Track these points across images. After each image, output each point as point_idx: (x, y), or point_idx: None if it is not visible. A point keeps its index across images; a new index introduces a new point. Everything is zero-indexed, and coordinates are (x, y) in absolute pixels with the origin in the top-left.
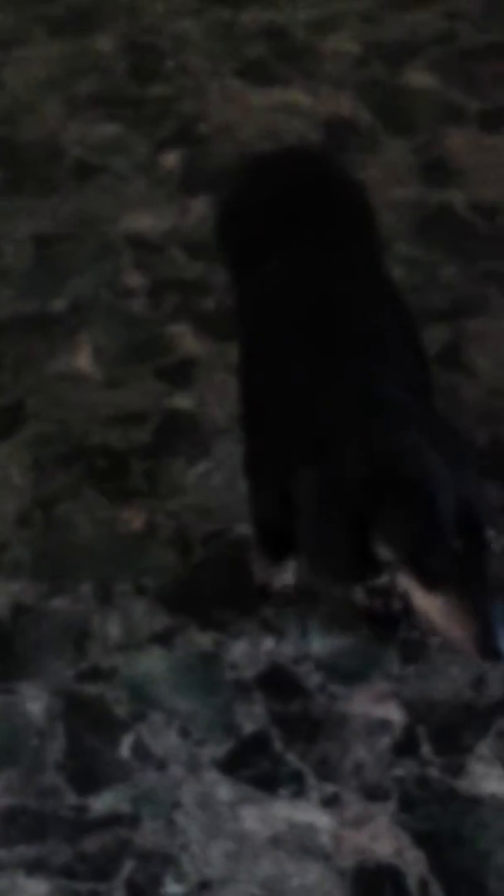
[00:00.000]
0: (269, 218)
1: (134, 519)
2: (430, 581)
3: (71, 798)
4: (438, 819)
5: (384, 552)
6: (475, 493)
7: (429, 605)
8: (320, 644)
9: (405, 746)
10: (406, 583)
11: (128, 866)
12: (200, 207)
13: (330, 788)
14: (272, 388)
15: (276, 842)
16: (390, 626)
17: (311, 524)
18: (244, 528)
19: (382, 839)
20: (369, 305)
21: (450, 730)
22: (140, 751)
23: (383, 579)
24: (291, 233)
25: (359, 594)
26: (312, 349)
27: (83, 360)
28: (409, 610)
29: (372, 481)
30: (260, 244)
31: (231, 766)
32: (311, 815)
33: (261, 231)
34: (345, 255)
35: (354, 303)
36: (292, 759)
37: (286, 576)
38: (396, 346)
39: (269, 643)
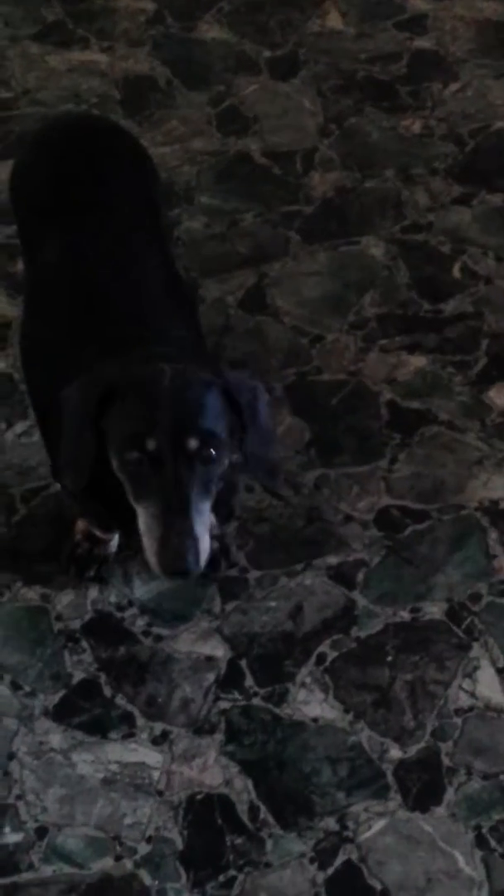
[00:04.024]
0: (46, 188)
1: None
2: (134, 486)
3: None
4: (264, 747)
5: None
6: (216, 411)
7: (139, 513)
8: (143, 590)
9: (229, 680)
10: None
11: None
12: (5, 173)
13: (159, 727)
14: (45, 344)
15: (109, 783)
16: (213, 567)
17: (64, 433)
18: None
19: (211, 771)
20: (135, 266)
21: (271, 660)
22: None
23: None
24: (68, 200)
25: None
26: (82, 306)
27: None
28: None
29: (103, 387)
30: (39, 213)
31: (62, 714)
32: (141, 754)
33: (40, 200)
34: (118, 217)
35: (122, 261)
36: (121, 702)
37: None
38: (159, 300)
39: (93, 593)
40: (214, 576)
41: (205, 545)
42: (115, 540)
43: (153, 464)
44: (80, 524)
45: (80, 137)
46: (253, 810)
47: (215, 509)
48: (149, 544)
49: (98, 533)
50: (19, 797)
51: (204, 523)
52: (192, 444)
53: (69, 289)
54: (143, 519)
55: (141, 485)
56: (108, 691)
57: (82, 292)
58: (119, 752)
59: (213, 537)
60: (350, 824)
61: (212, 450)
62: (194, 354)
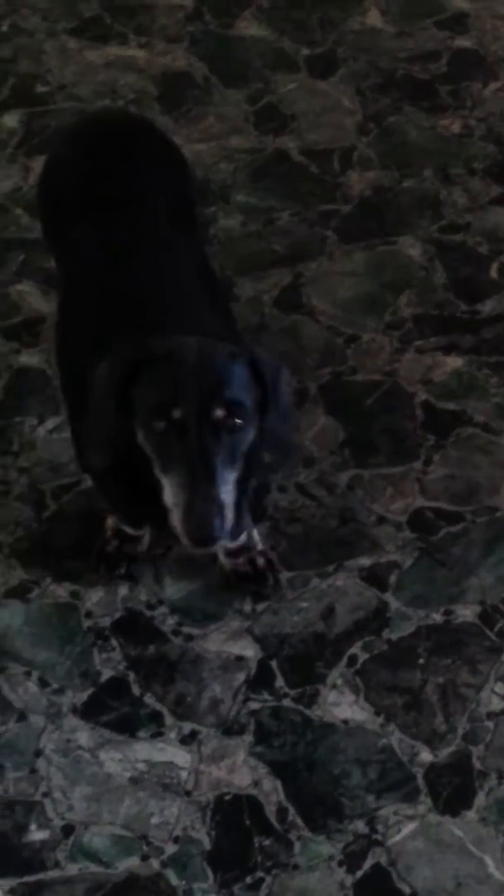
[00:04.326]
0: (77, 184)
1: None
2: (161, 457)
3: None
4: (293, 748)
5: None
6: (242, 383)
7: (165, 486)
8: (174, 588)
9: (259, 680)
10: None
11: None
12: (42, 167)
13: (188, 727)
14: (80, 335)
15: (137, 782)
16: (261, 583)
17: (91, 407)
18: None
19: (240, 772)
20: (171, 261)
21: (302, 661)
22: (0, 703)
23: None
24: (103, 196)
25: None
26: (118, 298)
27: None
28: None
29: (130, 361)
30: (73, 208)
31: (90, 712)
32: (170, 753)
33: (74, 196)
34: (153, 213)
35: (157, 256)
36: (150, 700)
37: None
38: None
39: (123, 590)
40: (263, 592)
41: (230, 513)
42: (145, 538)
43: (179, 433)
44: (110, 521)
45: (113, 133)
46: (281, 812)
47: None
48: (175, 513)
49: (127, 530)
50: (46, 794)
51: (229, 493)
52: (218, 412)
53: (105, 282)
54: (169, 489)
55: (167, 455)
56: (136, 690)
57: (118, 285)
58: (147, 751)
59: (258, 553)
60: (379, 827)
61: (237, 419)
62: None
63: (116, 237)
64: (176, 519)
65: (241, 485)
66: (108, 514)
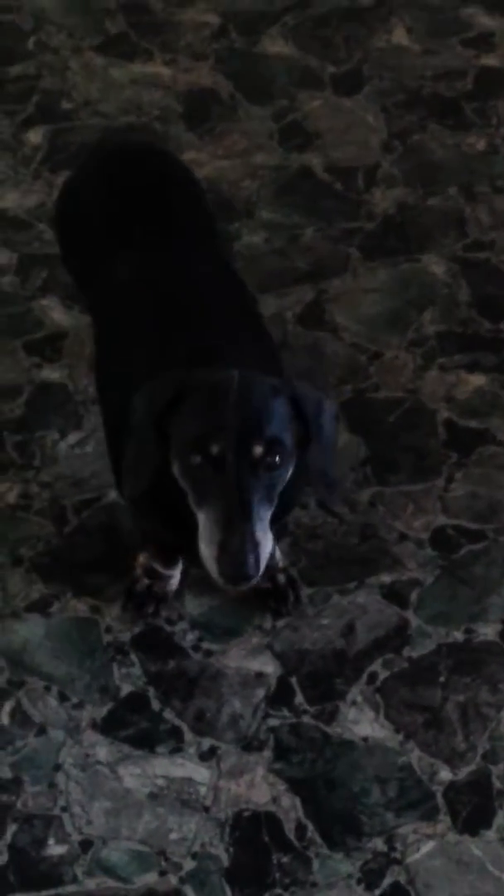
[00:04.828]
0: (104, 217)
1: (8, 491)
2: (196, 492)
3: None
4: (312, 765)
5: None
6: (283, 416)
7: (199, 520)
8: (194, 604)
9: (279, 697)
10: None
11: (10, 830)
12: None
13: (207, 742)
14: (121, 367)
15: (155, 797)
16: (282, 600)
17: (130, 436)
18: (115, 496)
19: (259, 788)
20: (205, 286)
21: (322, 678)
22: (19, 717)
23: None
24: (133, 220)
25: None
26: (158, 323)
27: None
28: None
29: (170, 391)
30: (102, 233)
31: (109, 727)
32: (189, 769)
33: (102, 222)
34: (183, 236)
35: (191, 285)
36: (170, 716)
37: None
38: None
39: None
40: (283, 609)
41: (265, 552)
42: (175, 578)
43: (216, 468)
44: (142, 559)
45: (132, 160)
46: (300, 829)
47: (271, 521)
48: (208, 550)
49: (159, 568)
50: (64, 809)
51: (265, 530)
52: (258, 450)
53: (144, 306)
54: (204, 525)
55: (203, 490)
56: (156, 705)
57: (157, 310)
58: (166, 766)
59: (279, 570)
60: (398, 845)
61: (277, 457)
62: (270, 371)
63: (153, 269)
64: (208, 556)
65: (279, 520)
66: (141, 550)
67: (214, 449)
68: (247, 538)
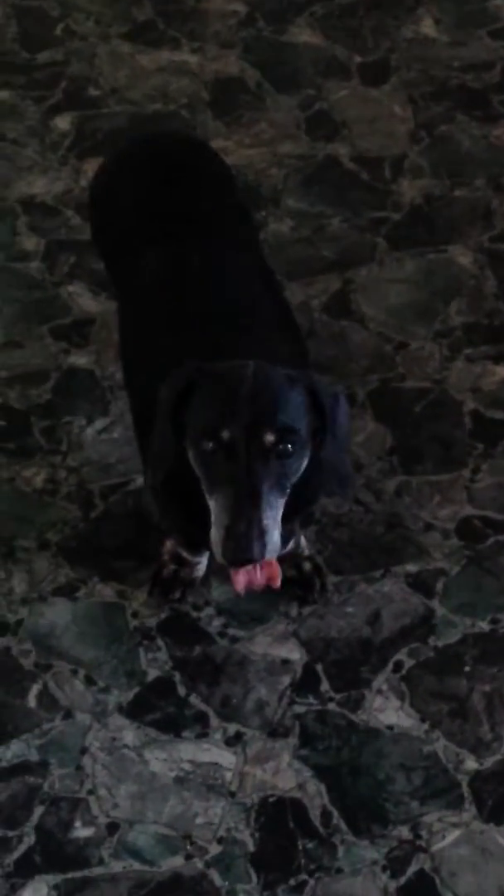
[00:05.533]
0: (138, 207)
1: (35, 476)
2: (208, 478)
3: None
4: (338, 752)
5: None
6: (297, 408)
7: (211, 506)
8: (220, 590)
9: (305, 684)
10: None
11: (37, 812)
12: (93, 170)
13: (233, 728)
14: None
15: (181, 782)
16: (307, 588)
17: (154, 430)
18: (142, 481)
19: (284, 774)
20: (234, 277)
21: (348, 666)
22: (47, 700)
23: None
24: (165, 212)
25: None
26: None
27: None
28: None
29: (184, 381)
30: (134, 224)
31: (136, 711)
32: (215, 754)
33: (134, 213)
34: (217, 228)
35: (219, 275)
36: (196, 701)
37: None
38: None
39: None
40: (309, 597)
41: (273, 539)
42: (202, 564)
43: (227, 455)
44: (168, 545)
45: (165, 152)
46: (325, 815)
47: (292, 514)
48: (216, 534)
49: (185, 554)
50: (91, 792)
51: (275, 518)
52: (269, 437)
53: (171, 295)
54: (214, 511)
55: (214, 477)
56: (182, 690)
57: (185, 299)
58: (192, 751)
59: (305, 558)
60: (423, 833)
61: (289, 445)
62: (295, 363)
63: (182, 258)
64: (216, 539)
65: (303, 510)
66: (167, 537)
67: (226, 435)
68: (253, 524)
